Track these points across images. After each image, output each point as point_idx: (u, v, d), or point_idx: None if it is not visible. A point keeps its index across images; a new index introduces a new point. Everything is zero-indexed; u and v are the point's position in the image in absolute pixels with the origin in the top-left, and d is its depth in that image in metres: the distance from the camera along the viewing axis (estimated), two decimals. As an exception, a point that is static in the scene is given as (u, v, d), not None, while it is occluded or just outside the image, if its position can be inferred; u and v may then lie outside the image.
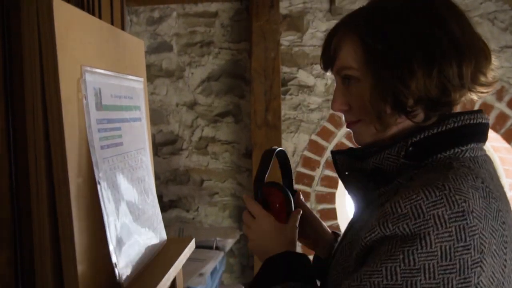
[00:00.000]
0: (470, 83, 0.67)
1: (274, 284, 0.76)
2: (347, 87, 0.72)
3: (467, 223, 0.56)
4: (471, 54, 0.65)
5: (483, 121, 0.69)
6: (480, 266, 0.56)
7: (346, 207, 2.37)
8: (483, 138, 0.70)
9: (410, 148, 0.67)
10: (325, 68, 0.76)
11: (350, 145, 2.15)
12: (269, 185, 0.83)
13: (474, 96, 0.71)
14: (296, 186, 2.19)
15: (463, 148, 0.66)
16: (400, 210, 0.59)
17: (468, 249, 0.56)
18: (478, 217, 0.57)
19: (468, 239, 0.56)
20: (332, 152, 0.81)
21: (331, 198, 2.19)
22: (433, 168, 0.65)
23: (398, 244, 0.58)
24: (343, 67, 0.71)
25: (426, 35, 0.64)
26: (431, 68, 0.63)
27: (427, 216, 0.57)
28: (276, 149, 0.85)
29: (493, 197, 0.61)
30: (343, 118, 0.76)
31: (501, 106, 2.11)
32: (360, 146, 0.76)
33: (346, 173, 0.79)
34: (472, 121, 0.68)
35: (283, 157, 0.89)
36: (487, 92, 0.70)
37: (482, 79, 0.68)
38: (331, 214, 2.18)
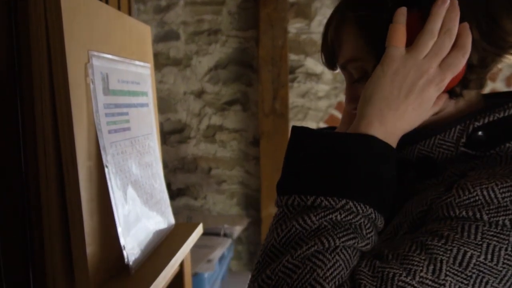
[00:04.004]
0: (496, 48, 0.56)
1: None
2: (356, 81, 0.63)
3: None
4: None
5: None
6: None
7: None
8: None
9: (479, 133, 0.56)
10: (329, 65, 0.67)
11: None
12: None
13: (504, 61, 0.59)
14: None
15: None
16: (497, 202, 0.47)
17: None
18: None
19: None
20: None
21: (338, 186, 2.19)
22: (503, 161, 0.55)
23: (504, 231, 0.47)
24: (346, 61, 0.62)
25: None
26: None
27: None
28: None
29: None
30: None
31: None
32: None
33: None
34: None
35: None
36: None
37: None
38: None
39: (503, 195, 0.47)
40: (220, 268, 1.87)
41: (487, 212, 0.47)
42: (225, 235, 2.00)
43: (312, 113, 2.19)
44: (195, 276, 1.61)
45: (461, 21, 0.53)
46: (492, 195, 0.48)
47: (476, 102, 0.61)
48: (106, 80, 0.83)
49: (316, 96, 2.18)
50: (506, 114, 0.56)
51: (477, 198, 0.48)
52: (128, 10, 1.15)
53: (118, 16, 0.93)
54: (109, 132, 0.83)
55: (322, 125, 2.18)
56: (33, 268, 0.82)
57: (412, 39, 0.54)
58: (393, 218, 0.61)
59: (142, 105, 1.00)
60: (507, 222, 0.47)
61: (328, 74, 2.16)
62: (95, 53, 0.80)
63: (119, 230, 0.81)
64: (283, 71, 2.11)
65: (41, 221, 0.77)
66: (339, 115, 2.16)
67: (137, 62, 0.99)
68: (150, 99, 1.06)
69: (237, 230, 2.05)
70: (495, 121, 0.56)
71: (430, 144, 0.58)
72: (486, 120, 0.56)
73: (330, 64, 0.67)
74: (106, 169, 0.80)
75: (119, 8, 1.11)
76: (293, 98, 2.19)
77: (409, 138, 0.59)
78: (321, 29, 2.36)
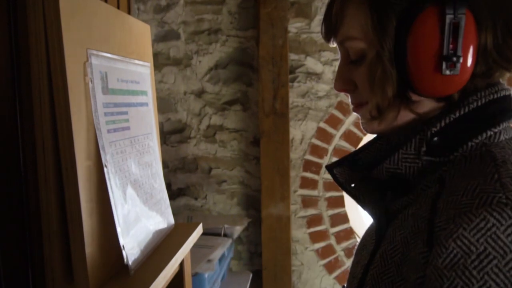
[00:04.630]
0: (504, 60, 0.54)
1: None
2: (352, 62, 0.61)
3: None
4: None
5: (506, 93, 0.57)
6: None
7: (354, 195, 2.36)
8: (510, 114, 0.56)
9: (435, 139, 0.54)
10: (327, 39, 0.63)
11: (358, 132, 2.14)
12: None
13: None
14: (303, 174, 2.20)
15: (496, 130, 0.54)
16: (475, 248, 0.44)
17: None
18: None
19: None
20: (327, 167, 0.68)
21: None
22: (469, 161, 0.53)
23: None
24: (346, 38, 0.59)
25: None
26: None
27: None
28: None
29: None
30: (349, 99, 0.64)
31: (512, 93, 2.08)
32: (367, 134, 0.67)
33: (352, 185, 0.67)
34: (495, 95, 0.55)
35: None
36: None
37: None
38: (339, 201, 2.17)
39: (475, 237, 0.44)
40: (221, 268, 1.87)
41: (473, 267, 0.44)
42: (226, 235, 2.00)
43: (312, 112, 2.18)
44: (195, 276, 1.60)
45: (479, 28, 0.52)
46: (467, 243, 0.45)
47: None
48: (105, 79, 0.83)
49: (316, 96, 2.18)
50: (462, 112, 0.55)
51: (455, 252, 0.45)
52: (128, 9, 1.14)
53: (118, 15, 0.93)
54: (108, 131, 0.83)
55: (323, 125, 2.17)
56: (32, 268, 0.82)
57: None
58: (381, 240, 0.61)
59: (141, 104, 0.99)
60: (495, 269, 0.43)
61: (328, 73, 2.15)
62: (94, 52, 0.80)
63: (119, 230, 0.81)
64: (283, 70, 2.10)
65: (40, 221, 0.76)
66: (339, 114, 2.15)
67: (136, 61, 0.99)
68: (150, 98, 1.05)
69: (238, 230, 2.04)
70: (452, 122, 0.55)
71: (395, 160, 0.57)
72: (443, 123, 0.55)
73: (329, 37, 0.63)
74: (105, 169, 0.80)
75: (118, 7, 1.10)
76: (293, 98, 2.19)
77: (375, 159, 0.59)
78: (321, 28, 2.31)
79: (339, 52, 0.63)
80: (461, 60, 0.52)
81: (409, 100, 0.57)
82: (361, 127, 0.64)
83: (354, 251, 0.75)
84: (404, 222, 0.56)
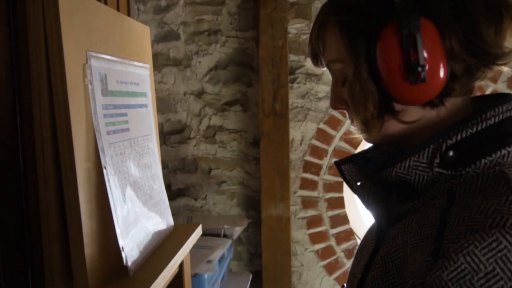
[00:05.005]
0: (476, 57, 0.55)
1: None
2: (339, 82, 0.64)
3: None
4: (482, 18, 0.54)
5: None
6: None
7: (354, 196, 2.36)
8: None
9: (451, 154, 0.55)
10: (314, 63, 0.67)
11: (358, 133, 2.13)
12: None
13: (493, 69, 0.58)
14: (303, 175, 2.20)
15: (510, 149, 0.54)
16: (484, 267, 0.45)
17: None
18: None
19: None
20: (335, 163, 0.71)
21: (339, 187, 2.18)
22: (482, 179, 0.53)
23: None
24: (329, 61, 0.63)
25: None
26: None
27: None
28: None
29: None
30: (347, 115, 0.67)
31: (512, 94, 2.08)
32: (372, 145, 0.67)
33: (359, 183, 0.68)
34: (511, 113, 0.56)
35: None
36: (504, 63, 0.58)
37: (491, 48, 0.55)
38: (339, 203, 2.18)
39: (486, 256, 0.45)
40: (220, 269, 1.87)
41: (479, 284, 0.45)
42: (225, 235, 2.00)
43: (312, 113, 2.18)
44: (195, 277, 1.61)
45: (439, 32, 0.54)
46: (476, 261, 0.45)
47: (463, 108, 0.60)
48: (104, 81, 0.83)
49: (316, 97, 2.18)
50: (479, 128, 0.55)
51: (463, 267, 0.46)
52: (127, 11, 1.14)
53: (117, 17, 0.93)
54: (108, 133, 0.83)
55: (322, 126, 2.17)
56: (31, 270, 0.82)
57: None
58: (381, 241, 0.62)
59: (141, 106, 1.00)
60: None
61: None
62: (94, 54, 0.80)
63: (118, 231, 0.81)
64: (283, 71, 2.10)
65: (40, 222, 0.77)
66: (339, 116, 2.15)
67: (136, 63, 0.99)
68: (149, 100, 1.05)
69: (237, 230, 2.04)
70: (468, 137, 0.55)
71: (405, 166, 0.57)
72: (459, 137, 0.55)
73: (316, 62, 0.68)
74: (104, 170, 0.80)
75: (118, 9, 1.11)
76: (293, 99, 2.19)
77: (386, 161, 0.60)
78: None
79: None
80: (426, 69, 0.53)
81: (393, 110, 0.59)
82: (364, 138, 0.68)
83: (355, 251, 0.76)
84: (408, 227, 0.57)
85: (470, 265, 0.46)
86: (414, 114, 0.59)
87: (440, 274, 0.47)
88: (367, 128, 0.61)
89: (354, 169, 0.69)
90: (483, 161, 0.54)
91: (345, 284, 0.76)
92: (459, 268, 0.46)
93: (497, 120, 0.55)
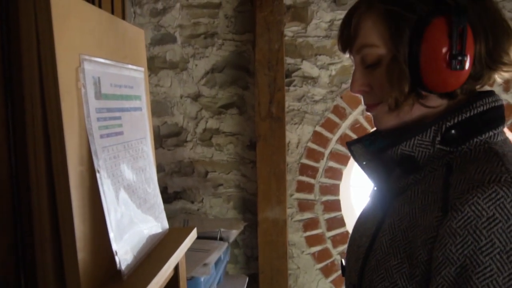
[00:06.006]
0: (493, 62, 0.66)
1: None
2: (368, 66, 0.71)
3: None
4: (496, 32, 0.65)
5: (502, 103, 0.70)
6: None
7: (350, 198, 2.36)
8: (504, 120, 0.70)
9: (452, 132, 0.66)
10: (343, 49, 0.74)
11: (354, 136, 2.14)
12: None
13: (497, 77, 0.70)
14: (300, 178, 2.20)
15: (496, 132, 0.67)
16: (486, 213, 0.56)
17: None
18: None
19: None
20: (347, 143, 0.80)
21: (335, 189, 2.18)
22: (474, 154, 0.65)
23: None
24: (364, 45, 0.69)
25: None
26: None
27: None
28: None
29: None
30: (362, 100, 0.74)
31: (508, 98, 2.09)
32: (381, 130, 0.75)
33: (364, 162, 0.78)
34: (495, 104, 0.68)
35: None
36: (508, 71, 0.69)
37: (506, 58, 0.67)
38: (335, 205, 2.17)
39: (487, 204, 0.56)
40: (217, 272, 1.86)
41: (483, 227, 0.56)
42: (222, 238, 1.99)
43: (308, 116, 2.18)
44: (191, 280, 1.60)
45: (475, 38, 0.64)
46: (480, 208, 0.56)
47: (457, 103, 0.70)
48: (98, 84, 0.83)
49: (312, 100, 2.18)
50: (472, 113, 0.66)
51: (469, 215, 0.57)
52: (122, 14, 1.14)
53: (111, 20, 0.93)
54: (101, 136, 0.83)
55: (319, 128, 2.17)
56: (24, 275, 0.82)
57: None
58: (385, 213, 0.72)
59: (135, 109, 0.99)
60: (500, 230, 0.55)
61: (324, 77, 2.15)
62: (87, 57, 0.80)
63: (111, 235, 0.80)
64: (280, 74, 2.10)
65: (32, 227, 0.76)
66: (336, 118, 2.15)
67: (130, 66, 0.99)
68: (144, 103, 1.05)
69: (234, 233, 2.04)
70: (463, 120, 0.66)
71: (411, 144, 0.68)
72: (456, 120, 0.66)
73: (347, 47, 0.74)
74: (98, 174, 0.80)
75: (112, 12, 1.10)
76: (290, 102, 2.19)
77: (392, 141, 0.70)
78: (317, 32, 2.34)
79: (353, 60, 0.74)
80: (466, 58, 0.63)
81: (420, 94, 0.68)
82: (374, 124, 0.75)
83: (351, 230, 0.86)
84: (414, 197, 0.68)
85: (475, 212, 0.56)
86: (433, 101, 0.69)
87: (450, 224, 0.58)
88: (397, 108, 0.69)
89: (361, 149, 0.79)
90: (475, 139, 0.66)
91: (343, 260, 0.86)
92: (466, 216, 0.57)
93: (484, 108, 0.67)
